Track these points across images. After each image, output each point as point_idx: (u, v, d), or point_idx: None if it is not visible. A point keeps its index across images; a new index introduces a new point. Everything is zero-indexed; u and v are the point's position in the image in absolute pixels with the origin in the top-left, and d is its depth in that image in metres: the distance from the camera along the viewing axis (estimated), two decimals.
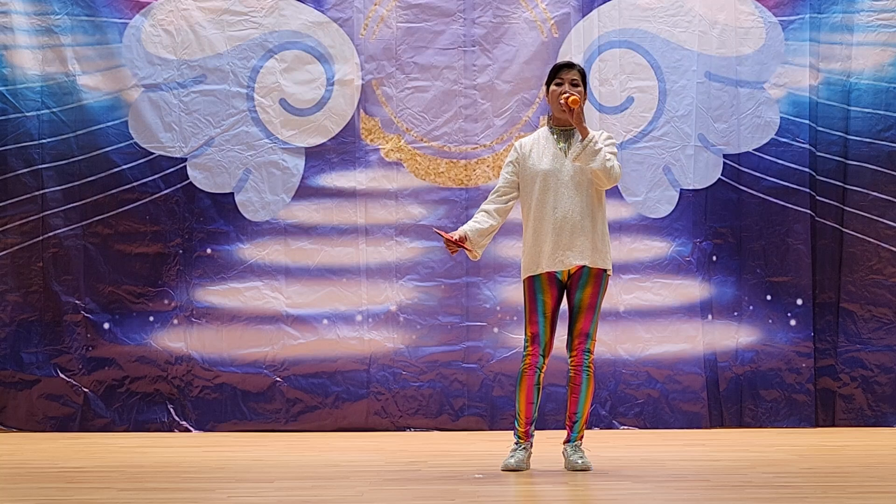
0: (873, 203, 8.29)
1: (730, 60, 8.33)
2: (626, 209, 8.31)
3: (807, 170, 8.30)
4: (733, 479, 5.89)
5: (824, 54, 8.34)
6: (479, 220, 6.17)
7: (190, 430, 8.15)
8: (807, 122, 8.31)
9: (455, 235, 6.12)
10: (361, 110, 8.29)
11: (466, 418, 8.23)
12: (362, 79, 8.29)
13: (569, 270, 6.11)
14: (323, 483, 5.85)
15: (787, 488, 5.62)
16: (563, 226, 6.07)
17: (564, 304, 6.19)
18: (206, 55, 8.27)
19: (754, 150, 8.33)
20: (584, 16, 8.32)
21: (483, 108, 8.31)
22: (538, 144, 6.21)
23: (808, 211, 8.29)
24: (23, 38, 8.22)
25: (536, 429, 6.19)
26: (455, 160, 8.31)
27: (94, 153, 8.23)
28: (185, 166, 8.26)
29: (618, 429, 8.18)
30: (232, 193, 8.27)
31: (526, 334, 6.13)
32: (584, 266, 6.09)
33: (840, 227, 8.30)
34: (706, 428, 8.19)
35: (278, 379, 8.21)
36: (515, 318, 8.22)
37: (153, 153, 8.25)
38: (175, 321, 8.22)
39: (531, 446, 6.19)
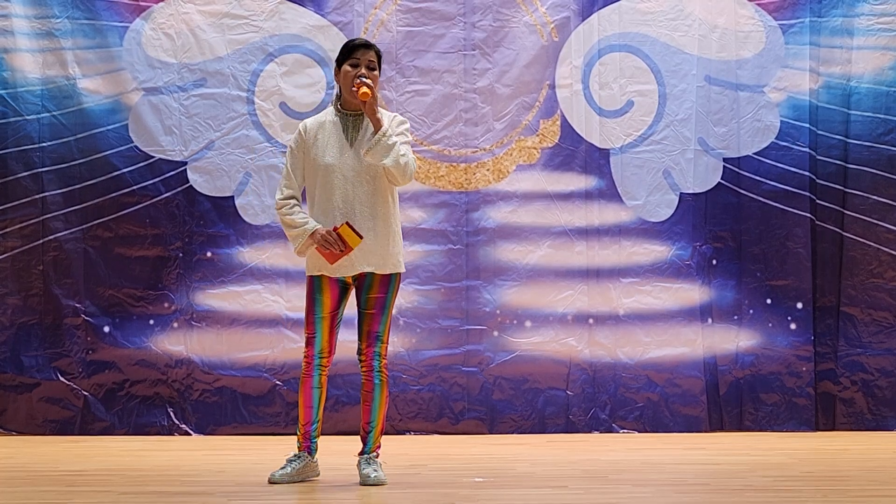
0: (873, 207, 8.29)
1: (730, 64, 8.33)
2: (626, 213, 8.31)
3: (807, 173, 8.30)
4: (733, 483, 5.89)
5: (824, 58, 8.34)
6: (306, 214, 5.84)
7: (190, 434, 8.14)
8: (807, 125, 8.31)
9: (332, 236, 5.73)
10: None
11: (466, 422, 8.22)
12: None
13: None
14: (323, 486, 5.85)
15: (787, 492, 5.62)
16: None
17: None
18: (207, 59, 8.27)
19: (754, 153, 8.32)
20: (584, 20, 8.32)
21: (483, 111, 8.31)
22: (324, 131, 5.87)
23: (809, 214, 8.29)
24: (23, 41, 8.22)
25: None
26: (455, 164, 8.31)
27: (95, 156, 8.23)
28: (186, 170, 8.26)
29: (617, 432, 8.17)
30: (232, 197, 8.28)
31: (305, 335, 5.95)
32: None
33: (840, 231, 8.30)
34: (706, 431, 8.18)
35: (278, 382, 8.20)
36: (516, 321, 8.22)
37: (153, 156, 8.24)
38: (175, 324, 8.21)
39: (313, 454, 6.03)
